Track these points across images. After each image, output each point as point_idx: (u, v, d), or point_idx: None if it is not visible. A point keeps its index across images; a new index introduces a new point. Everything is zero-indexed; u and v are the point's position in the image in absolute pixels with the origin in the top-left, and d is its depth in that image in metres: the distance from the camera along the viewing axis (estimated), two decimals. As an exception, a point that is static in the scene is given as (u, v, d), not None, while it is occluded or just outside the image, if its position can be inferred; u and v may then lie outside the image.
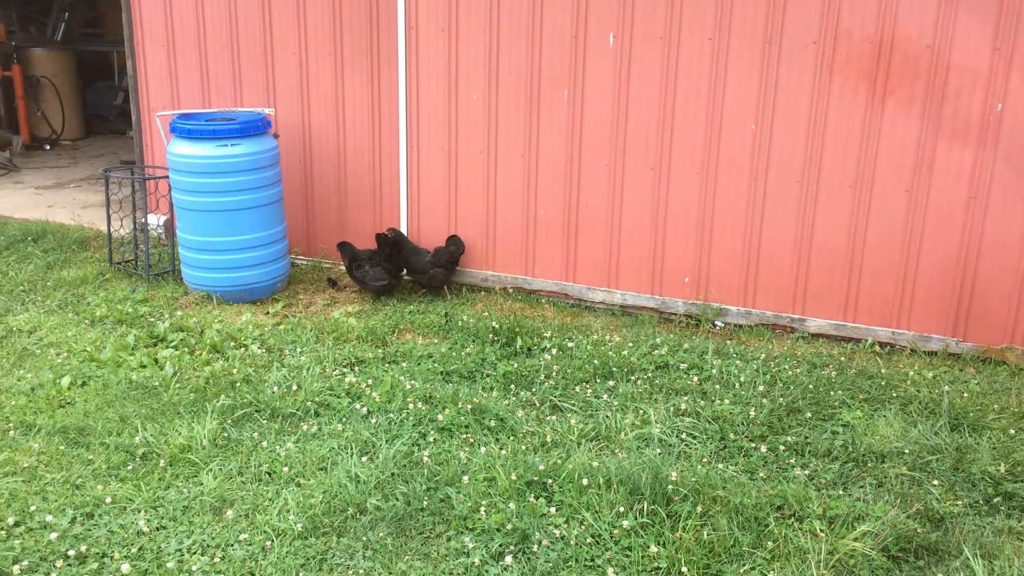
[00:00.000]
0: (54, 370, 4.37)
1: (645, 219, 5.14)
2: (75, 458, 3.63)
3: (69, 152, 10.03)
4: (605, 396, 4.14)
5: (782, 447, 3.77)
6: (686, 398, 4.12)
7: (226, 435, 3.79)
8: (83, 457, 3.63)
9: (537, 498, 3.32)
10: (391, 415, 3.92)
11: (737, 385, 4.28)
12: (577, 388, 4.23)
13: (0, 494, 3.36)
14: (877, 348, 4.80)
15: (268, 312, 5.31)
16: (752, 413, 4.00)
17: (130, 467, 3.56)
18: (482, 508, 3.27)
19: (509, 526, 3.16)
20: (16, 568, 2.96)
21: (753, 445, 3.78)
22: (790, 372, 4.44)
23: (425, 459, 3.59)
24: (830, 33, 4.57)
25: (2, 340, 4.75)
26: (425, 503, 3.30)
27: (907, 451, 3.72)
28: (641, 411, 3.99)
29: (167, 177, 5.67)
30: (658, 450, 3.68)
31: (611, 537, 3.12)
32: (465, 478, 3.44)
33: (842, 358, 4.66)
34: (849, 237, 4.78)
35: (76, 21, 11.33)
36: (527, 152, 5.30)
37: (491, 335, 4.79)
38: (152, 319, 5.08)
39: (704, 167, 4.94)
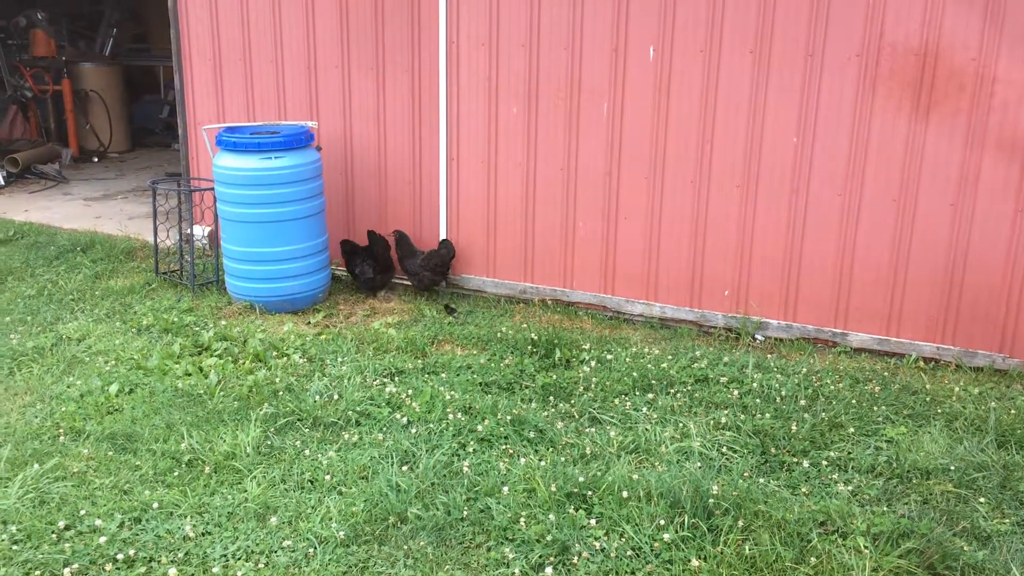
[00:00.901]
0: (102, 377, 4.46)
1: (684, 232, 5.13)
2: (123, 464, 3.69)
3: (116, 164, 10.24)
4: (644, 409, 4.13)
5: (824, 462, 3.73)
6: (726, 412, 4.09)
7: (269, 443, 3.83)
8: (131, 463, 3.70)
9: (577, 510, 3.32)
10: (431, 425, 3.94)
11: (778, 399, 4.24)
12: (616, 400, 4.23)
13: (51, 498, 3.43)
14: (921, 363, 4.73)
15: (309, 322, 5.36)
16: (794, 427, 3.96)
17: (176, 473, 3.61)
18: (522, 519, 3.27)
19: (549, 537, 3.15)
20: (67, 571, 3.02)
21: (795, 460, 3.74)
22: (832, 387, 4.40)
23: (465, 469, 3.60)
24: (873, 45, 4.54)
25: (52, 348, 4.85)
26: (465, 513, 3.31)
27: (952, 468, 3.66)
28: (681, 424, 3.97)
29: (212, 189, 5.76)
30: (698, 463, 3.65)
31: (652, 550, 3.10)
32: (505, 489, 3.45)
33: (885, 373, 4.60)
34: (892, 251, 4.73)
35: (124, 36, 11.59)
36: (566, 165, 5.31)
37: (530, 347, 4.80)
38: (197, 328, 5.15)
39: (745, 180, 4.92)
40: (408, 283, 5.84)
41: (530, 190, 5.46)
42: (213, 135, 5.93)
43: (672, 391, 4.31)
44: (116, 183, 9.20)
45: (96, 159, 10.43)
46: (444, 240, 5.66)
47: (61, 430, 3.96)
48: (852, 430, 3.98)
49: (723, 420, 4.00)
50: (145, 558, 3.10)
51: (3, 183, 8.84)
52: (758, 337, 5.05)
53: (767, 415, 4.07)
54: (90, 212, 7.88)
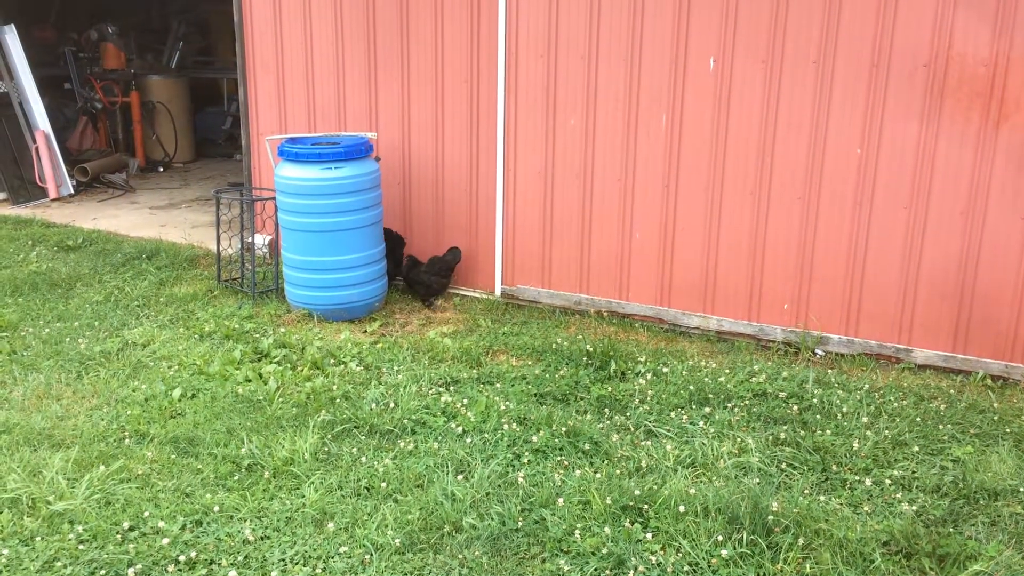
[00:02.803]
0: (166, 382, 4.54)
1: (743, 244, 5.08)
2: (185, 467, 3.75)
3: (180, 174, 10.47)
4: (701, 423, 4.09)
5: (888, 481, 3.64)
6: (785, 427, 4.03)
7: (327, 449, 3.85)
8: (192, 466, 3.74)
9: (632, 523, 3.29)
10: (486, 435, 3.95)
11: (839, 416, 4.16)
12: (672, 414, 4.19)
13: (116, 500, 3.51)
14: (989, 381, 4.60)
15: (366, 331, 5.40)
16: (855, 445, 3.88)
17: (236, 477, 3.65)
18: (577, 531, 3.25)
19: (604, 550, 3.13)
20: (131, 571, 3.08)
21: (857, 478, 3.66)
22: (896, 404, 4.30)
23: (520, 480, 3.59)
24: (941, 56, 4.45)
25: (119, 352, 4.96)
26: (520, 524, 3.30)
27: (1022, 489, 3.55)
28: (739, 439, 3.92)
29: (274, 199, 5.85)
30: (757, 479, 3.60)
31: (709, 566, 3.06)
32: (560, 500, 3.43)
33: (951, 391, 4.48)
34: (960, 266, 4.61)
35: (190, 49, 11.88)
36: (623, 175, 5.30)
37: (585, 358, 4.79)
38: (257, 335, 5.22)
39: (806, 191, 4.85)
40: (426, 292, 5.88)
41: (587, 201, 5.45)
42: (275, 146, 6.02)
43: (729, 405, 4.26)
44: (180, 192, 9.41)
45: (161, 169, 10.68)
46: (453, 248, 5.79)
47: (126, 433, 4.04)
48: (916, 448, 3.88)
49: (782, 436, 3.94)
50: (206, 560, 3.16)
51: (73, 192, 9.10)
52: (818, 352, 4.96)
53: (828, 432, 3.99)
54: (155, 220, 8.07)
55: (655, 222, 5.28)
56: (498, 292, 5.88)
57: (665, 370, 4.67)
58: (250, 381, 4.58)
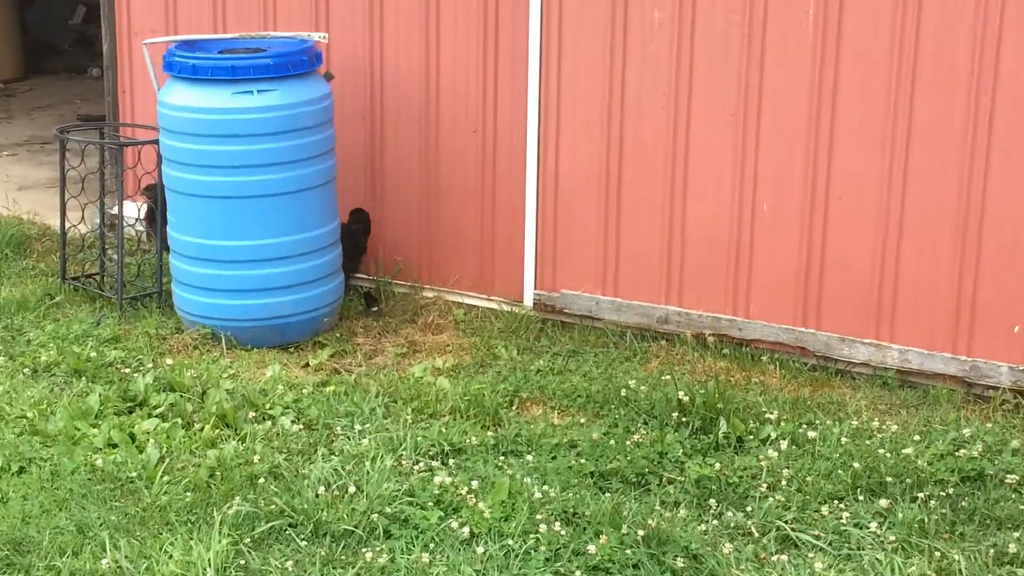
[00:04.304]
0: (-26, 447, 4.53)
1: (942, 227, 5.04)
2: (5, 591, 3.71)
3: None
4: (873, 525, 4.08)
5: None
6: (1016, 535, 4.03)
7: (243, 563, 3.82)
8: (19, 589, 3.70)
9: None
10: (509, 541, 3.93)
11: (1113, 518, 4.12)
12: (823, 509, 4.19)
13: None
14: None
15: (308, 364, 5.36)
16: None
17: (92, 610, 3.62)
18: None
19: None
20: None
21: None
22: None
23: (571, 623, 3.59)
24: None
25: None
26: None
27: None
28: (938, 554, 3.89)
29: (156, 143, 5.79)
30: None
31: None
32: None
33: None
34: None
35: None
36: (740, 109, 5.26)
37: (676, 413, 4.79)
38: (126, 370, 5.16)
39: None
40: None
41: (679, 152, 5.41)
42: (159, 54, 5.95)
43: (921, 496, 4.24)
44: None
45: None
46: (356, 211, 5.96)
47: (-94, 533, 3.99)
48: None
49: (1011, 549, 3.93)
50: None
51: None
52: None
53: (1095, 545, 3.95)
54: (-46, 177, 8.05)
55: (794, 186, 5.26)
56: (528, 301, 5.85)
57: (811, 435, 4.64)
58: (116, 447, 4.54)
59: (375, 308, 5.91)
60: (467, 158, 5.87)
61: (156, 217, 5.97)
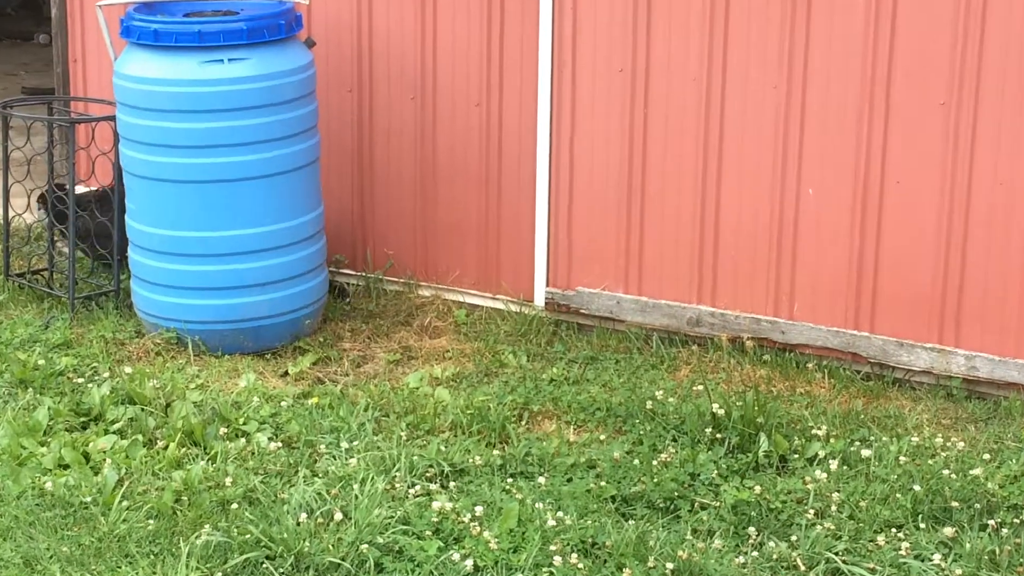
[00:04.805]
0: (-94, 468, 4.53)
1: (1016, 216, 5.04)
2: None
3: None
4: (936, 556, 4.06)
5: None
6: None
7: None
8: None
9: None
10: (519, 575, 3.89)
11: None
12: (879, 538, 4.17)
13: None
14: None
15: (288, 373, 5.38)
16: None
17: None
18: None
19: None
20: None
21: None
22: None
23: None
24: None
25: None
26: None
27: None
28: None
29: (112, 119, 5.81)
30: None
31: None
32: None
33: None
34: None
35: None
36: (784, 79, 5.29)
37: (709, 429, 4.79)
38: (79, 379, 5.17)
39: None
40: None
41: (712, 128, 5.44)
42: (116, 18, 5.96)
43: (991, 523, 4.20)
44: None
45: None
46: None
47: None
48: None
49: None
50: None
51: None
52: None
53: None
54: None
55: (844, 167, 5.28)
56: (539, 300, 5.88)
57: (865, 453, 4.65)
58: (67, 468, 4.54)
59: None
60: (469, 135, 5.89)
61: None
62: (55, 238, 6.25)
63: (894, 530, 4.21)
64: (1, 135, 6.27)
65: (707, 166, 5.49)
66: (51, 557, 4.01)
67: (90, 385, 5.10)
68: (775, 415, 4.85)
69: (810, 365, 5.40)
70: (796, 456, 4.66)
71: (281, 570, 3.97)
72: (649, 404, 4.99)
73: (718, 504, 4.34)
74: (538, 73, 5.69)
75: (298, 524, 4.16)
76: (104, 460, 4.57)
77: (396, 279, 6.17)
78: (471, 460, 4.60)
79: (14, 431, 4.72)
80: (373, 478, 4.42)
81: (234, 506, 4.29)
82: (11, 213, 6.38)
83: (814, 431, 4.80)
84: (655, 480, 4.44)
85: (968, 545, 4.08)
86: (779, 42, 5.27)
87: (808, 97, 5.28)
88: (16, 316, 5.83)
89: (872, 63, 5.15)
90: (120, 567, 3.96)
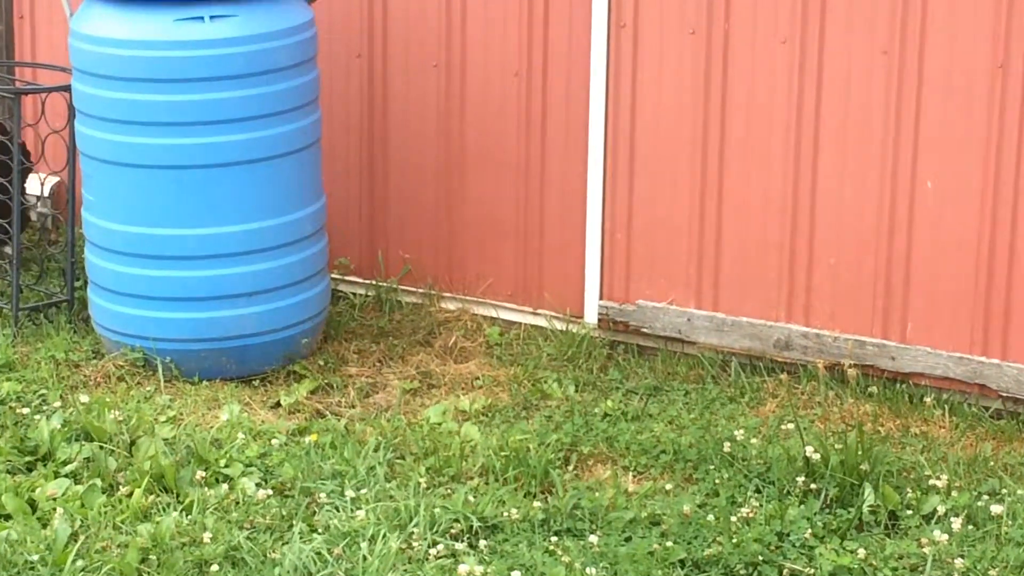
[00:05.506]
0: None
1: None
2: None
3: None
4: None
5: None
6: None
7: None
8: None
9: None
10: None
11: None
12: None
13: None
14: None
15: (280, 403, 5.40)
16: None
17: None
18: None
19: None
20: None
21: None
22: None
23: None
24: None
25: None
26: None
27: None
28: None
29: (67, 89, 5.86)
30: None
31: None
32: None
33: None
34: None
35: None
36: (894, 44, 5.28)
37: (802, 478, 4.79)
38: (24, 410, 5.20)
39: None
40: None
41: (806, 102, 5.45)
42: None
43: None
44: None
45: None
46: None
47: None
48: None
49: None
50: None
51: None
52: None
53: None
54: None
55: (970, 153, 5.29)
56: (591, 316, 5.91)
57: (995, 510, 4.63)
58: (9, 518, 4.55)
59: None
60: (505, 111, 5.92)
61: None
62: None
63: (1033, 609, 4.20)
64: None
65: (800, 151, 5.50)
66: (-10, 629, 4.06)
67: (37, 417, 5.13)
68: (883, 461, 4.83)
69: (927, 399, 5.40)
70: (909, 512, 4.63)
71: (270, 650, 4.00)
72: (727, 446, 4.99)
73: (812, 571, 4.34)
74: (591, 35, 5.71)
75: (292, 592, 4.18)
76: (54, 509, 4.55)
77: (414, 289, 6.20)
78: (506, 514, 4.59)
79: (-55, 473, 4.76)
80: (385, 535, 4.42)
81: (214, 568, 4.29)
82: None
83: (932, 481, 4.79)
84: (734, 541, 4.42)
85: None
86: (890, 2, 5.29)
87: (926, 65, 5.28)
88: (-53, 332, 5.88)
89: (1007, 17, 5.15)
90: (73, 644, 4.00)
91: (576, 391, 5.48)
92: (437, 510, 4.58)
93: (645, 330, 5.81)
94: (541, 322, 5.98)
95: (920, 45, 5.28)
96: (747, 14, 5.48)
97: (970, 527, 4.55)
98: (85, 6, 5.52)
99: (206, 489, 4.73)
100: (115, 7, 5.40)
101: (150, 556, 4.35)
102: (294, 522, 4.53)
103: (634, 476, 4.92)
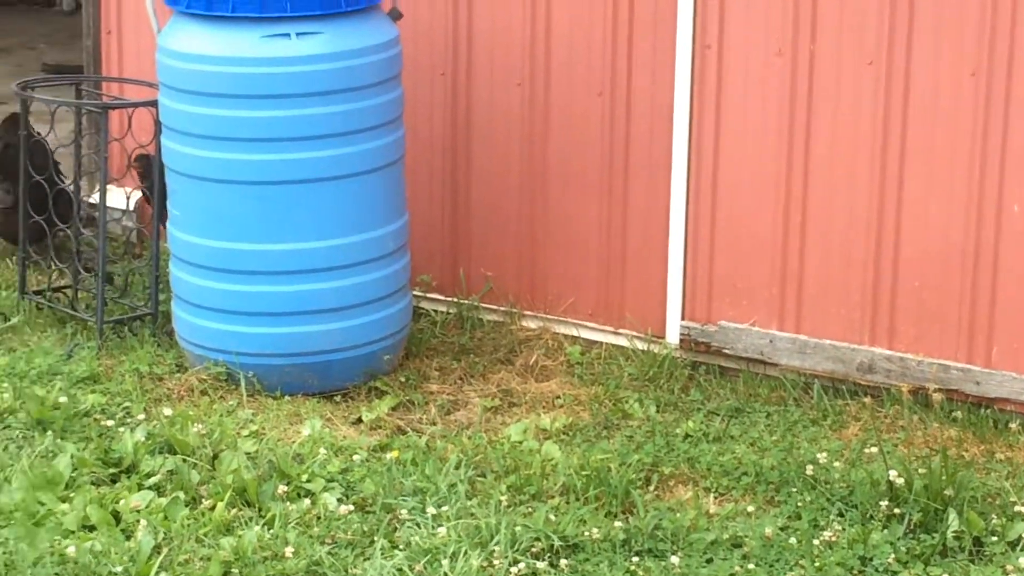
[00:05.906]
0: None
1: None
2: None
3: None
4: None
5: None
6: None
7: None
8: None
9: None
10: None
11: None
12: None
13: None
14: None
15: (361, 419, 5.40)
16: None
17: None
18: None
19: None
20: None
21: None
22: None
23: None
24: None
25: None
26: None
27: None
28: None
29: (153, 104, 5.88)
30: None
31: None
32: None
33: None
34: None
35: None
36: (983, 87, 5.25)
37: (885, 502, 4.75)
38: (108, 422, 5.22)
39: None
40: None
41: (892, 123, 5.42)
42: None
43: None
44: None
45: None
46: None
47: None
48: None
49: None
50: None
51: None
52: None
53: None
54: None
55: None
56: (672, 337, 5.91)
57: None
58: (94, 529, 4.57)
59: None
60: (588, 130, 5.91)
61: (152, 203, 6.01)
62: (80, 249, 6.30)
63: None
64: (20, 120, 6.35)
65: (885, 172, 5.47)
66: (73, 641, 4.06)
67: (121, 429, 5.15)
68: (968, 486, 4.78)
69: (1012, 425, 5.36)
70: (995, 539, 4.58)
71: (353, 665, 4.00)
72: (809, 469, 4.96)
73: (898, 598, 4.30)
74: (675, 56, 5.70)
75: (374, 607, 4.18)
76: (138, 521, 4.57)
77: (495, 307, 6.21)
78: (587, 533, 4.57)
79: (30, 483, 4.75)
80: (466, 552, 4.42)
81: (296, 582, 4.31)
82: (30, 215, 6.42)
83: (1017, 508, 4.75)
84: (816, 564, 4.42)
85: None
86: (979, 14, 5.25)
87: (1014, 87, 5.23)
88: (34, 343, 5.91)
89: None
90: (156, 658, 4.01)
91: (657, 411, 5.46)
92: (518, 528, 4.57)
93: (727, 351, 5.80)
94: (622, 342, 5.97)
95: (1008, 67, 5.25)
96: (833, 35, 5.46)
97: (1058, 554, 4.51)
98: (173, 22, 5.56)
99: (288, 504, 4.74)
100: (203, 23, 5.43)
101: (232, 570, 4.36)
102: (375, 538, 4.54)
103: (715, 498, 4.89)
